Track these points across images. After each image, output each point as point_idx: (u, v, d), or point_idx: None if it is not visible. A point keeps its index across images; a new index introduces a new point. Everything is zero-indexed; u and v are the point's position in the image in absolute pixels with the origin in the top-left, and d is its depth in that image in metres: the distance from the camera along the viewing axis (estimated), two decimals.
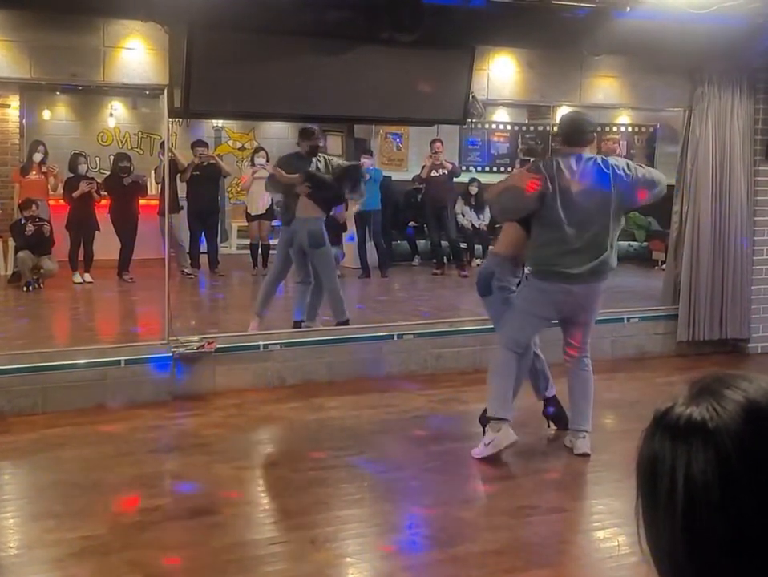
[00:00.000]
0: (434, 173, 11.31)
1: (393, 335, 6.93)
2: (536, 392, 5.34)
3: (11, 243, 10.23)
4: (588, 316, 4.99)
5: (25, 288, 9.57)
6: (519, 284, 5.19)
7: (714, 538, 0.82)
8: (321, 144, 7.62)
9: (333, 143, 13.39)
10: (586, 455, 4.90)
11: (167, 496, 4.45)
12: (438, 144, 11.24)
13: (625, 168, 4.81)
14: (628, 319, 7.57)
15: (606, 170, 4.76)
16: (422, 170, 11.61)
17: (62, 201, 10.57)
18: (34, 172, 10.44)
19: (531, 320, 4.92)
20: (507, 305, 5.07)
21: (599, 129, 13.31)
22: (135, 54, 5.92)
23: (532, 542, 3.85)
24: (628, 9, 5.98)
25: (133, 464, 4.82)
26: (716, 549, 0.82)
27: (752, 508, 0.81)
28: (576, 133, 4.84)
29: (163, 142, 8.73)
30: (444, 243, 11.61)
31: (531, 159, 11.77)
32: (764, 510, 0.81)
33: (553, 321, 5.08)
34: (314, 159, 7.33)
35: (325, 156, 7.64)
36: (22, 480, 4.84)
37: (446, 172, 11.32)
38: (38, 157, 10.45)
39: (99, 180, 10.87)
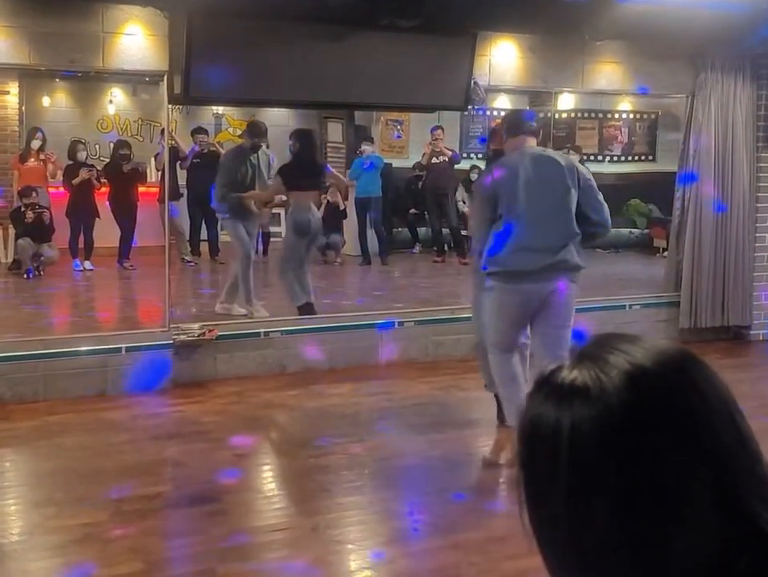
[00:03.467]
0: (434, 160, 11.28)
1: (393, 322, 6.92)
2: (490, 385, 4.90)
3: (11, 230, 10.21)
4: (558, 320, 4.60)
5: (25, 276, 9.56)
6: None
7: (597, 508, 0.79)
8: (264, 144, 7.83)
9: (334, 130, 13.35)
10: None
11: (168, 483, 4.45)
12: (439, 131, 11.20)
13: (586, 174, 4.58)
14: (630, 306, 7.56)
15: (561, 162, 4.50)
16: (422, 157, 11.58)
17: (61, 188, 10.55)
18: (33, 159, 10.41)
19: (501, 325, 4.61)
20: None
21: (599, 116, 13.30)
22: (135, 40, 5.88)
23: None
24: None
25: (134, 451, 4.82)
26: (599, 520, 0.79)
27: (636, 475, 0.78)
28: (519, 121, 4.65)
29: (163, 129, 8.71)
30: (445, 230, 11.58)
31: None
32: (649, 476, 0.77)
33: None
34: (256, 154, 7.61)
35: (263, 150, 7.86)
36: (23, 467, 4.84)
37: (446, 159, 11.28)
38: (36, 144, 10.42)
39: (98, 167, 10.84)
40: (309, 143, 7.38)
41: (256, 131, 7.77)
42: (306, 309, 7.13)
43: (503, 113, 13.26)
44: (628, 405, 0.79)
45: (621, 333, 0.88)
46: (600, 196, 4.62)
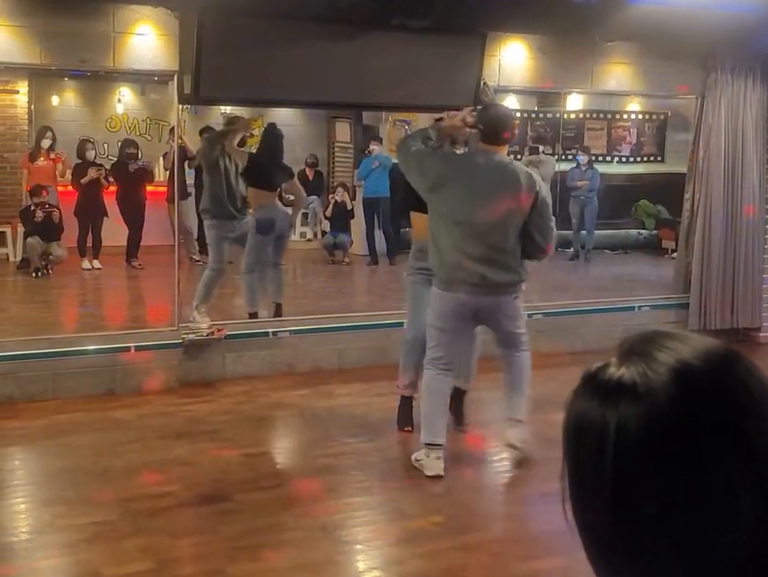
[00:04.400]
0: None
1: (402, 322, 6.90)
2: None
3: (20, 229, 10.24)
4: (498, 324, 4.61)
5: (34, 275, 9.58)
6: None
7: (642, 506, 0.79)
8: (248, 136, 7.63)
9: (342, 130, 13.36)
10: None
11: (177, 482, 4.45)
12: None
13: (545, 195, 4.48)
14: (639, 307, 7.55)
15: (521, 179, 4.38)
16: None
17: (70, 187, 10.58)
18: (42, 158, 10.43)
19: (441, 336, 4.51)
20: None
21: (608, 116, 13.27)
22: (146, 39, 5.89)
23: (545, 530, 3.84)
24: None
25: (143, 450, 4.83)
26: (644, 518, 0.79)
27: (682, 471, 0.78)
28: (496, 130, 4.45)
29: (172, 128, 8.73)
30: None
31: (540, 147, 11.76)
32: (696, 473, 0.78)
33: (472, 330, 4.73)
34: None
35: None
36: (33, 466, 4.85)
37: None
38: (46, 143, 10.44)
39: (107, 167, 10.86)
40: (272, 139, 7.22)
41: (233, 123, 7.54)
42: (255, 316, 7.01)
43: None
44: (676, 403, 0.79)
45: (668, 331, 0.88)
46: (552, 222, 4.53)
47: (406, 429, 5.24)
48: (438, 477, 4.42)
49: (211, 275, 7.00)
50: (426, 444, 4.52)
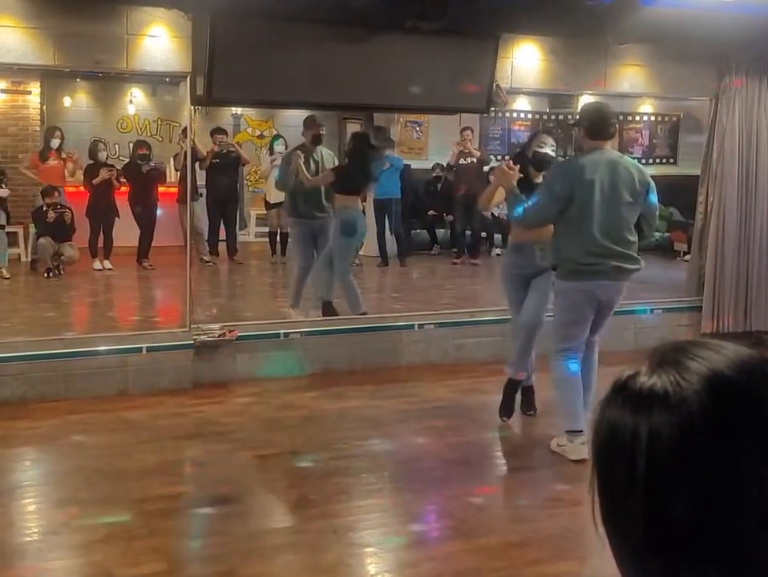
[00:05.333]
0: (462, 161, 11.23)
1: (414, 324, 6.91)
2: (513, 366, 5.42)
3: (31, 229, 10.27)
4: (610, 313, 4.96)
5: (45, 275, 9.62)
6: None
7: (675, 515, 0.79)
8: (323, 133, 7.62)
9: (353, 131, 13.35)
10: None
11: (189, 483, 4.46)
12: (468, 132, 11.18)
13: (653, 189, 4.78)
14: (652, 310, 7.52)
15: (634, 173, 4.69)
16: (450, 157, 11.52)
17: (81, 188, 10.60)
18: (52, 158, 10.45)
19: (571, 326, 4.83)
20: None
21: (620, 118, 13.23)
22: (159, 41, 5.91)
23: (556, 534, 3.83)
24: None
25: (155, 451, 4.83)
26: (676, 527, 0.79)
27: (715, 480, 0.78)
28: (601, 125, 4.73)
29: (184, 129, 8.74)
30: (468, 232, 11.55)
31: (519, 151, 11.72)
32: (728, 481, 0.78)
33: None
34: (318, 149, 7.49)
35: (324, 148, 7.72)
36: (45, 466, 4.86)
37: (474, 160, 11.25)
38: (55, 143, 10.46)
39: (118, 167, 10.89)
40: (365, 147, 7.35)
41: (311, 124, 7.58)
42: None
43: (521, 115, 13.32)
44: (709, 412, 0.79)
45: (700, 340, 0.88)
46: (657, 210, 4.87)
47: (504, 418, 5.39)
48: (582, 461, 4.59)
49: (297, 273, 7.43)
50: (569, 431, 4.76)
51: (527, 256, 5.23)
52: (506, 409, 5.41)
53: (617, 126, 5.01)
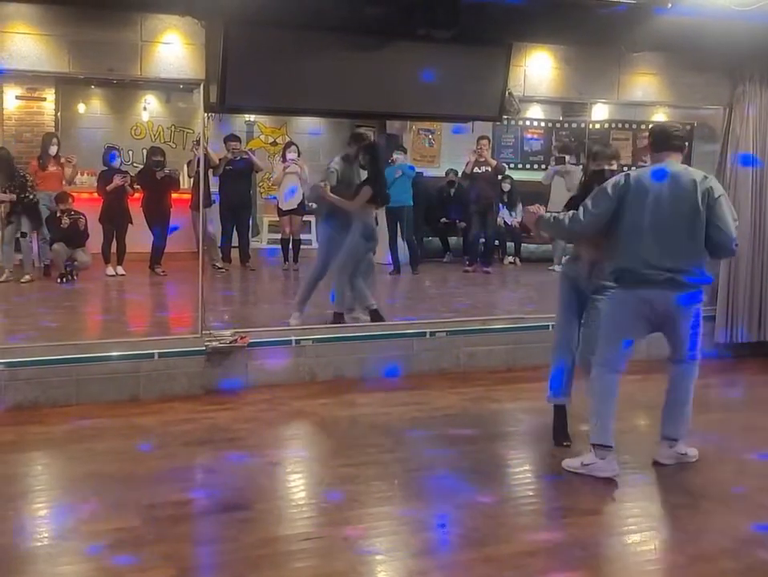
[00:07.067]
0: (477, 170, 11.24)
1: (425, 332, 6.91)
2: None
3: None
4: (675, 328, 4.78)
5: (59, 281, 9.66)
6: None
7: None
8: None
9: (365, 143, 13.36)
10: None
11: (200, 490, 4.46)
12: (485, 141, 11.19)
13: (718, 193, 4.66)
14: None
15: (697, 184, 4.59)
16: (465, 166, 11.53)
17: (85, 195, 10.63)
18: (51, 165, 10.47)
19: (617, 336, 4.72)
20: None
21: (633, 127, 13.20)
22: (172, 48, 5.95)
23: (567, 543, 3.81)
24: (669, 5, 5.91)
25: (165, 457, 4.84)
26: None
27: None
28: (661, 137, 4.75)
29: (199, 136, 8.78)
30: (480, 240, 11.55)
31: (566, 156, 11.70)
32: None
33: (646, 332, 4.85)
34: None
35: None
36: (56, 471, 4.87)
37: (489, 169, 11.26)
38: (53, 150, 10.49)
39: (132, 174, 10.93)
40: (380, 155, 7.47)
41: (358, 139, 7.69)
42: (339, 317, 7.21)
43: (534, 123, 13.30)
44: None
45: None
46: (728, 216, 4.65)
47: (565, 444, 5.17)
48: (614, 478, 4.56)
49: (316, 276, 7.48)
50: (598, 444, 4.62)
51: (579, 269, 5.14)
52: (560, 435, 5.24)
53: (684, 139, 4.93)
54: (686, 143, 4.93)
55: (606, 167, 5.13)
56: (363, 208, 7.24)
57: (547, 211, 4.95)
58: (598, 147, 5.43)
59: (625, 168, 13.15)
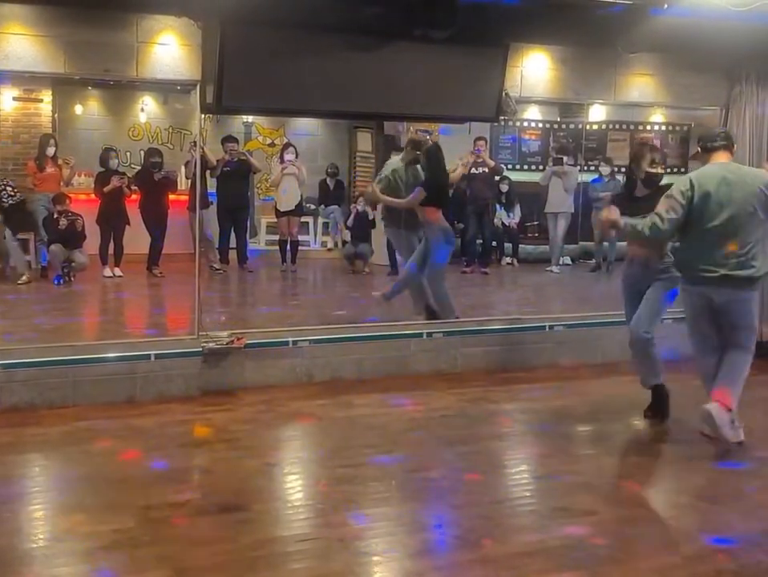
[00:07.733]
0: (474, 170, 11.23)
1: (422, 333, 6.90)
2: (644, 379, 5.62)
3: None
4: (733, 322, 5.04)
5: (55, 282, 9.65)
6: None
7: None
8: (419, 153, 7.67)
9: (363, 140, 13.39)
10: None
11: (196, 491, 4.45)
12: (482, 142, 11.19)
13: None
14: (662, 320, 7.44)
15: (751, 183, 4.88)
16: (462, 166, 11.50)
17: (82, 196, 10.62)
18: (49, 166, 10.44)
19: (694, 336, 5.21)
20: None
21: (631, 127, 13.21)
22: (169, 49, 5.94)
23: (563, 544, 3.81)
24: (665, 6, 5.91)
25: (162, 458, 4.83)
26: None
27: None
28: (707, 139, 5.06)
29: (195, 137, 8.78)
30: (479, 241, 11.54)
31: (564, 158, 11.68)
32: None
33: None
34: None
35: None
36: (53, 472, 4.86)
37: (486, 170, 11.26)
38: (50, 151, 10.47)
39: (129, 175, 10.92)
40: (439, 157, 7.40)
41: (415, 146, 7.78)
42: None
43: (531, 124, 13.30)
44: None
45: None
46: None
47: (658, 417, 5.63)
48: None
49: (412, 277, 7.56)
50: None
51: (635, 270, 5.53)
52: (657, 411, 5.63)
53: (731, 138, 5.19)
54: (733, 143, 5.19)
55: (659, 171, 5.41)
56: (434, 214, 7.22)
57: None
58: (655, 153, 5.50)
59: (624, 169, 13.20)
